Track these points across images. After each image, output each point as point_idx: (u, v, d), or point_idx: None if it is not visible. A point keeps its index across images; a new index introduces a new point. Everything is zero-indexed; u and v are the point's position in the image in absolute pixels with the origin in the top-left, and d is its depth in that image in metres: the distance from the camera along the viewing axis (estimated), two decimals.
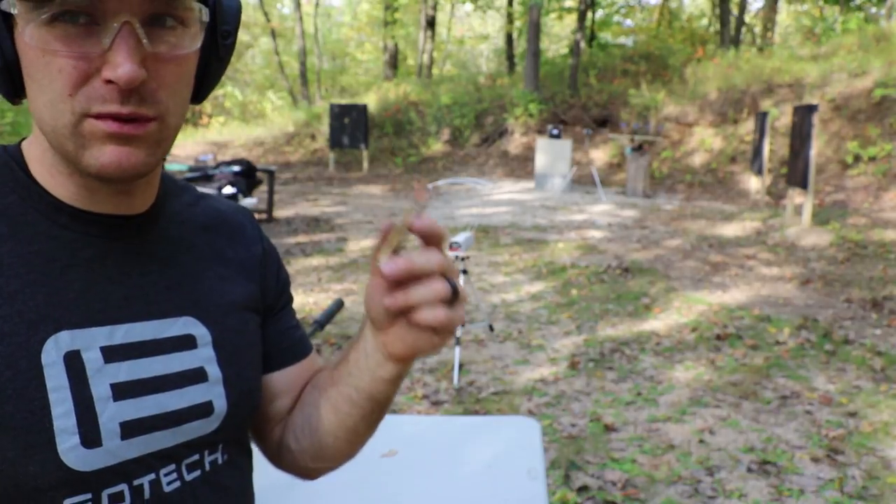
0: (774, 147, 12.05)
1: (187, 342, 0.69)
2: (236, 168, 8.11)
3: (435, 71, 25.67)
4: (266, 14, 27.21)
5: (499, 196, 11.97)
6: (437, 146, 16.84)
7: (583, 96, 16.54)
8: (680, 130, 14.27)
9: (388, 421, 1.95)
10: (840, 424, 3.37)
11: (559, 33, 30.52)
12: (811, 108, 8.19)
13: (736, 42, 18.60)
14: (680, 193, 12.39)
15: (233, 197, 6.36)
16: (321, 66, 27.73)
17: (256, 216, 9.02)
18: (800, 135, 8.57)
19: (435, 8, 23.15)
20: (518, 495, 1.48)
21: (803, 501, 2.70)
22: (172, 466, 0.67)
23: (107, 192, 0.66)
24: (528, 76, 16.68)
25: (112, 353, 0.63)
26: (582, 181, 13.61)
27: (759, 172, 10.60)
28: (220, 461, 0.73)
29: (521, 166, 15.25)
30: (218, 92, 30.56)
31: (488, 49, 33.14)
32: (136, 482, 0.64)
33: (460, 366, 3.96)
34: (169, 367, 0.67)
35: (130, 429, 0.63)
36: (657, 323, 4.99)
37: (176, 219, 0.74)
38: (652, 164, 13.35)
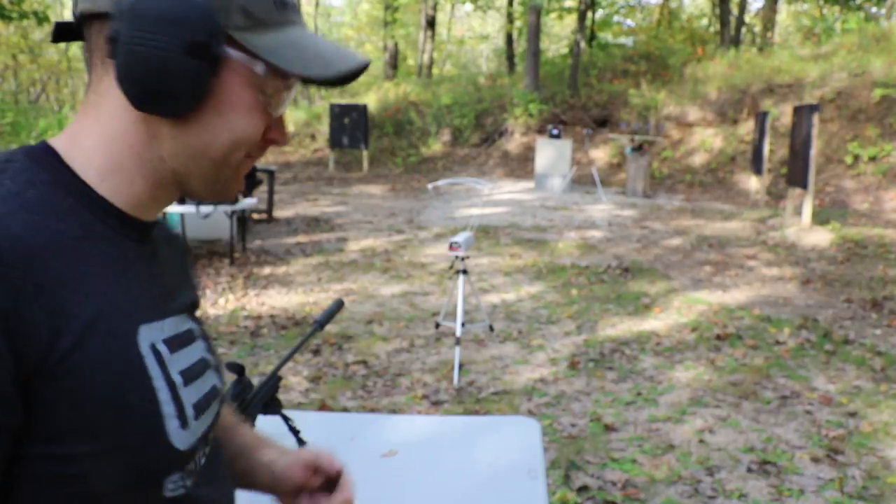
0: (774, 147, 12.05)
1: (193, 335, 0.76)
2: None
3: (435, 71, 25.68)
4: None
5: (499, 196, 11.97)
6: (437, 146, 16.84)
7: (583, 96, 16.54)
8: (680, 130, 14.27)
9: (388, 421, 1.96)
10: (840, 424, 3.37)
11: (559, 33, 30.52)
12: (811, 108, 8.19)
13: (736, 42, 18.60)
14: (680, 193, 12.39)
15: None
16: None
17: (256, 216, 8.97)
18: (800, 135, 8.57)
19: (435, 8, 23.15)
20: (518, 495, 1.48)
21: (803, 501, 2.70)
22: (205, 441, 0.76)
23: (163, 203, 0.74)
24: (528, 76, 16.68)
25: (171, 344, 0.70)
26: (582, 181, 13.61)
27: (759, 172, 10.60)
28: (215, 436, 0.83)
29: (521, 166, 15.25)
30: None
31: (488, 49, 33.14)
32: (198, 456, 0.73)
33: (460, 366, 3.96)
34: (196, 355, 0.75)
35: (199, 409, 0.71)
36: (657, 323, 4.99)
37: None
38: (652, 164, 13.35)
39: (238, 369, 1.54)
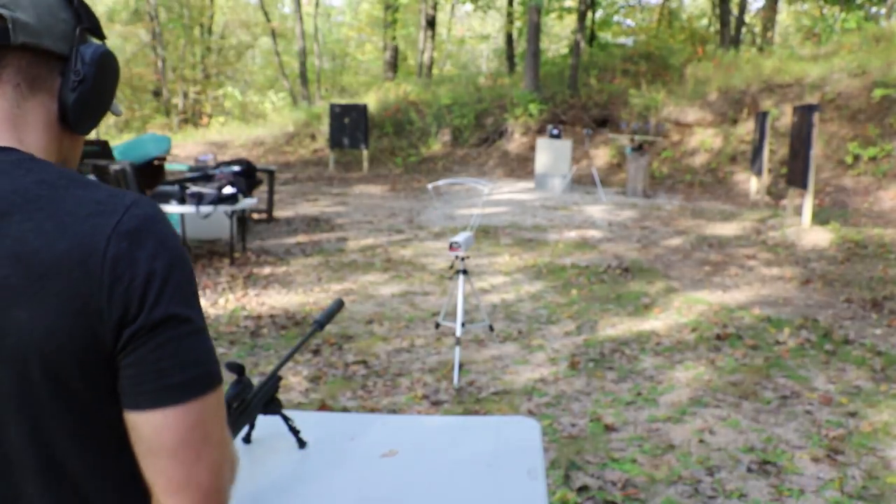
0: (774, 147, 12.05)
1: None
2: (236, 168, 8.10)
3: (435, 71, 25.67)
4: (266, 14, 27.22)
5: (499, 196, 11.97)
6: (437, 146, 16.84)
7: (583, 96, 16.53)
8: (680, 130, 14.27)
9: (388, 421, 1.96)
10: (840, 424, 3.37)
11: (559, 33, 30.52)
12: (811, 108, 8.19)
13: (736, 42, 18.59)
14: (680, 193, 12.40)
15: (233, 197, 6.35)
16: (321, 66, 27.73)
17: (256, 216, 8.99)
18: (800, 135, 8.57)
19: (435, 8, 23.15)
20: (518, 495, 1.48)
21: (803, 501, 2.70)
22: None
23: None
24: (528, 76, 16.67)
25: None
26: (582, 181, 13.61)
27: (759, 172, 10.60)
28: None
29: (521, 166, 15.25)
30: (218, 92, 30.59)
31: (488, 49, 33.14)
32: None
33: (460, 366, 3.96)
34: None
35: None
36: (657, 323, 4.99)
37: None
38: (652, 164, 13.35)
39: (238, 369, 1.54)
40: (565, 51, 23.61)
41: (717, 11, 21.52)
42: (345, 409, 3.51)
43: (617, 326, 4.90)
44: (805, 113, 8.42)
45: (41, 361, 0.72)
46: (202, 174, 7.61)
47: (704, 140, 13.67)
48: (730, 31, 18.94)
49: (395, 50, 23.74)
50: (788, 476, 2.88)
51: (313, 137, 18.00)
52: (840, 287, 6.04)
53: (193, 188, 6.38)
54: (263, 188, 9.16)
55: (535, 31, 16.57)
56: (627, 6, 25.44)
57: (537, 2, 15.74)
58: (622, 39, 24.16)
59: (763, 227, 8.83)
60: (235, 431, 1.49)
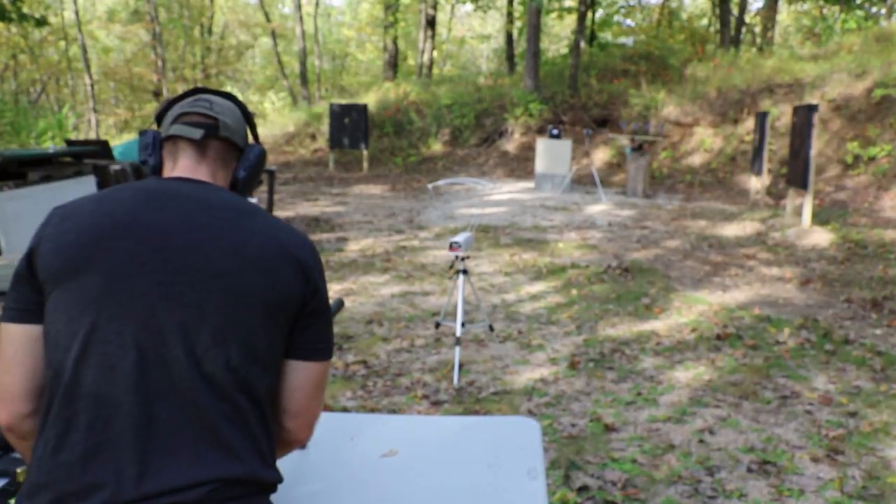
0: (774, 147, 12.05)
1: None
2: None
3: (435, 71, 25.66)
4: (266, 14, 27.21)
5: (499, 196, 11.97)
6: (437, 146, 16.83)
7: (583, 96, 16.53)
8: (680, 130, 14.27)
9: (388, 421, 1.95)
10: (840, 424, 3.37)
11: (559, 33, 30.52)
12: (811, 108, 8.19)
13: (736, 42, 18.59)
14: (680, 193, 12.39)
15: None
16: (321, 66, 27.73)
17: None
18: (800, 135, 8.57)
19: (435, 8, 23.14)
20: (518, 495, 1.48)
21: (803, 501, 2.71)
22: None
23: None
24: (528, 76, 16.67)
25: None
26: (582, 181, 13.61)
27: (759, 172, 10.60)
28: None
29: (520, 166, 15.25)
30: None
31: (488, 49, 33.13)
32: None
33: (460, 366, 3.96)
34: None
35: None
36: (657, 323, 4.99)
37: None
38: (652, 164, 13.35)
39: None
40: (565, 51, 23.60)
41: (717, 11, 21.51)
42: (345, 409, 3.51)
43: (617, 326, 4.90)
44: (805, 113, 8.42)
45: (264, 307, 1.17)
46: None
47: (704, 140, 13.67)
48: (730, 31, 18.94)
49: (395, 50, 23.73)
50: (788, 476, 2.88)
51: (313, 137, 18.00)
52: (840, 287, 6.04)
53: None
54: (263, 188, 9.15)
55: (535, 31, 16.57)
56: (627, 6, 25.43)
57: (537, 2, 15.73)
58: (622, 39, 24.15)
59: (763, 227, 8.83)
60: None
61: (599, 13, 23.45)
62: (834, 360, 4.27)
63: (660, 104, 14.73)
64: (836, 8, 19.90)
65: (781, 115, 12.61)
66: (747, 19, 21.94)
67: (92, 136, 22.47)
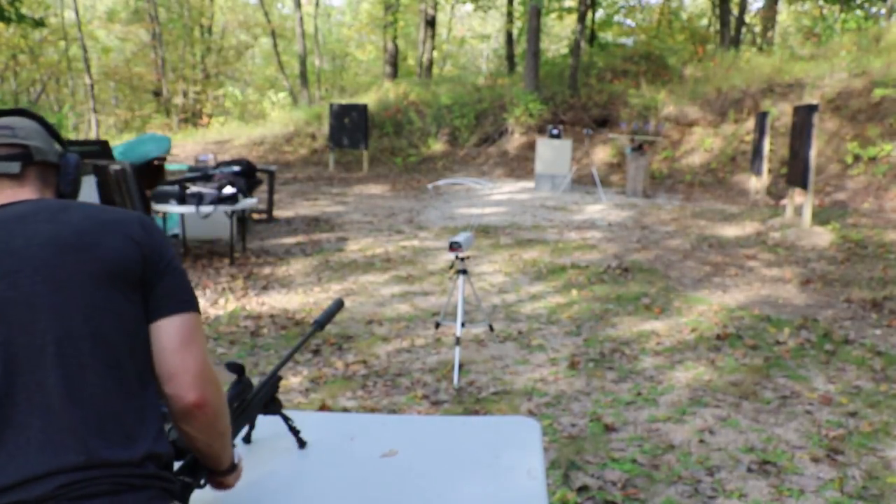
0: (774, 147, 12.05)
1: None
2: (236, 168, 8.10)
3: (435, 71, 25.66)
4: (266, 14, 27.21)
5: (499, 196, 11.97)
6: (436, 146, 16.83)
7: (583, 96, 16.53)
8: (680, 130, 14.27)
9: (388, 421, 1.95)
10: (840, 424, 3.37)
11: (559, 33, 30.51)
12: (811, 108, 8.19)
13: (736, 42, 18.59)
14: (680, 193, 12.39)
15: (233, 197, 6.35)
16: (321, 66, 27.73)
17: (256, 216, 8.97)
18: (800, 135, 8.57)
19: (435, 8, 23.14)
20: (518, 495, 1.48)
21: (803, 501, 2.70)
22: None
23: None
24: (528, 76, 16.67)
25: None
26: (582, 181, 13.61)
27: (759, 172, 10.59)
28: None
29: (520, 166, 15.25)
30: (218, 92, 30.59)
31: (488, 49, 33.13)
32: None
33: (460, 366, 3.96)
34: None
35: None
36: (657, 323, 4.99)
37: None
38: (652, 164, 13.35)
39: (238, 369, 1.54)
40: (565, 51, 23.59)
41: (717, 11, 21.51)
42: (345, 409, 3.51)
43: (617, 326, 4.90)
44: (805, 113, 8.41)
45: (91, 279, 1.21)
46: (202, 174, 7.60)
47: (704, 140, 13.67)
48: (730, 31, 18.94)
49: (395, 50, 23.73)
50: (788, 476, 2.88)
51: (313, 137, 18.00)
52: (840, 287, 6.04)
53: (193, 188, 6.38)
54: (263, 188, 9.15)
55: (535, 31, 16.57)
56: (628, 6, 25.42)
57: (537, 2, 15.73)
58: (622, 39, 24.14)
59: (763, 227, 8.83)
60: (235, 431, 1.49)
61: (599, 13, 23.44)
62: (834, 360, 4.27)
63: (660, 104, 14.73)
64: (836, 8, 19.90)
65: (781, 115, 12.61)
66: (747, 19, 21.94)
67: (92, 136, 22.46)
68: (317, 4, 26.60)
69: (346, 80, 31.31)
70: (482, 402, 3.62)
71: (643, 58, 18.89)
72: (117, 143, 12.69)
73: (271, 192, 9.22)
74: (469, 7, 26.50)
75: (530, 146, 15.18)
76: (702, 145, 13.63)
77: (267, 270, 6.44)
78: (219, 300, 5.41)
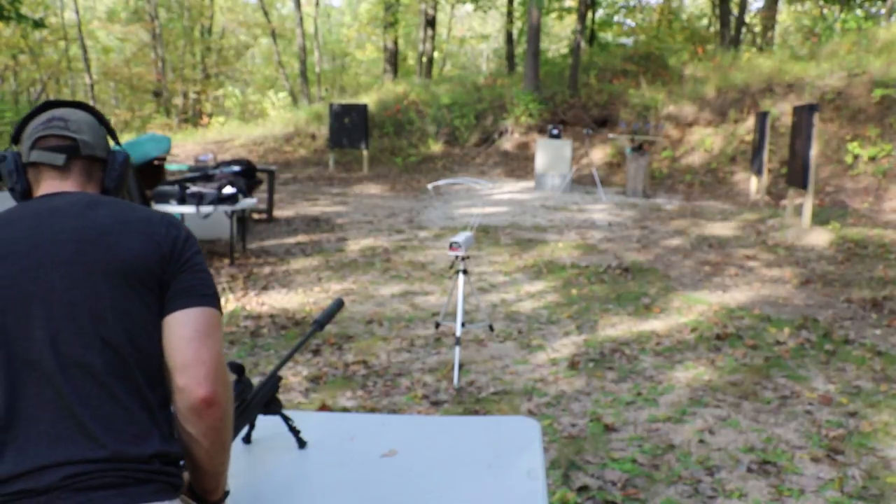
0: (774, 147, 12.05)
1: None
2: (236, 168, 8.10)
3: (435, 71, 25.66)
4: (266, 14, 27.20)
5: (499, 196, 11.97)
6: (436, 146, 16.83)
7: (583, 96, 16.53)
8: (679, 130, 14.27)
9: (388, 421, 1.95)
10: (840, 424, 3.37)
11: (559, 33, 30.50)
12: (811, 108, 8.19)
13: (736, 42, 18.58)
14: (680, 193, 12.39)
15: (233, 197, 6.35)
16: (321, 66, 27.72)
17: (256, 216, 8.97)
18: (800, 135, 8.57)
19: (435, 8, 23.14)
20: (518, 495, 1.48)
21: (803, 501, 2.70)
22: None
23: None
24: (528, 76, 16.67)
25: None
26: (582, 181, 13.61)
27: (759, 172, 10.59)
28: None
29: (520, 166, 15.25)
30: (218, 92, 30.59)
31: (488, 49, 33.13)
32: None
33: (460, 366, 3.96)
34: None
35: None
36: (657, 323, 4.99)
37: None
38: (652, 164, 13.35)
39: (238, 369, 1.54)
40: (565, 51, 23.60)
41: (717, 11, 21.51)
42: (345, 409, 3.51)
43: (617, 326, 4.90)
44: (805, 113, 8.41)
45: (108, 277, 1.23)
46: (202, 174, 7.61)
47: (704, 140, 13.67)
48: (730, 31, 18.94)
49: (395, 50, 23.73)
50: (788, 476, 2.88)
51: (313, 137, 17.99)
52: (840, 287, 6.04)
53: (193, 188, 6.38)
54: (263, 188, 9.15)
55: (535, 31, 16.57)
56: (628, 6, 25.42)
57: (537, 2, 15.73)
58: (622, 39, 24.14)
59: (763, 227, 8.83)
60: (236, 432, 1.49)
61: (599, 13, 23.44)
62: (834, 360, 4.27)
63: (659, 104, 14.73)
64: (836, 8, 19.90)
65: (781, 115, 12.61)
66: (747, 19, 21.93)
67: None
68: (317, 4, 26.59)
69: (346, 80, 31.32)
70: (482, 402, 3.62)
71: (643, 58, 18.89)
72: None
73: (271, 192, 9.22)
74: (469, 7, 26.49)
75: (530, 146, 15.18)
76: (702, 145, 13.63)
77: (267, 270, 6.44)
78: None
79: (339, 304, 1.81)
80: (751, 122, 12.84)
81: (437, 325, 4.51)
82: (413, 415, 3.40)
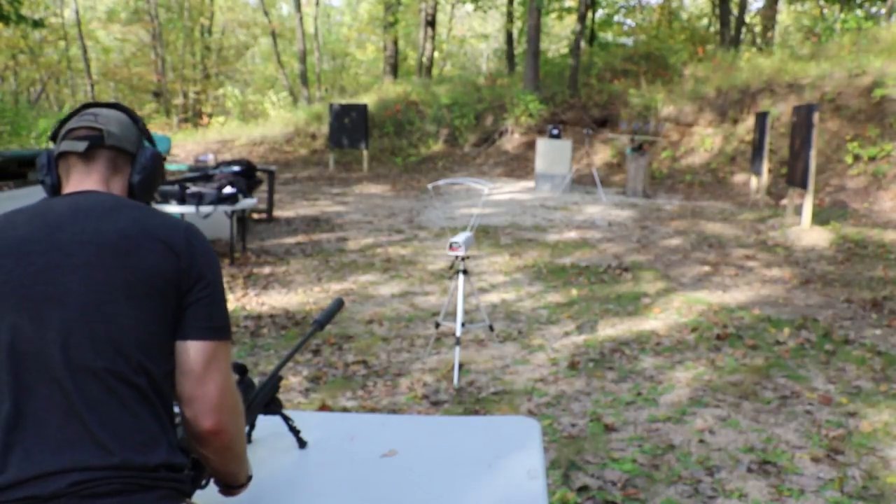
0: (774, 147, 12.05)
1: None
2: (236, 168, 8.10)
3: (435, 71, 25.66)
4: (266, 14, 27.20)
5: (499, 196, 11.97)
6: (436, 146, 16.84)
7: (583, 96, 16.53)
8: (680, 130, 14.27)
9: (388, 421, 1.95)
10: (840, 424, 3.37)
11: (559, 33, 30.50)
12: (811, 108, 8.19)
13: (736, 42, 18.58)
14: (680, 193, 12.39)
15: (233, 197, 6.35)
16: (321, 66, 27.72)
17: (256, 216, 8.98)
18: (800, 135, 8.57)
19: (435, 8, 23.13)
20: (518, 495, 1.48)
21: (803, 501, 2.70)
22: None
23: None
24: (528, 76, 16.67)
25: None
26: (582, 181, 13.61)
27: (759, 172, 10.59)
28: None
29: (520, 166, 15.25)
30: (218, 92, 30.58)
31: (488, 49, 33.13)
32: None
33: (460, 366, 3.96)
34: None
35: None
36: (657, 323, 4.99)
37: None
38: (652, 164, 13.35)
39: (240, 370, 1.54)
40: (565, 51, 23.59)
41: (717, 11, 21.50)
42: (345, 409, 3.51)
43: (617, 326, 4.90)
44: (805, 113, 8.42)
45: (127, 287, 1.22)
46: (202, 174, 7.61)
47: (704, 140, 13.67)
48: (730, 31, 18.93)
49: (395, 50, 23.72)
50: (788, 476, 2.88)
51: (313, 137, 18.00)
52: (840, 287, 6.04)
53: (193, 188, 6.38)
54: (263, 188, 9.16)
55: (535, 31, 16.57)
56: (628, 6, 25.42)
57: (537, 2, 15.73)
58: (622, 39, 24.14)
59: (763, 227, 8.83)
60: None
61: (600, 13, 23.44)
62: (834, 360, 4.27)
63: (660, 104, 14.73)
64: (836, 8, 19.90)
65: (781, 115, 12.61)
66: (747, 19, 21.93)
67: None
68: (317, 4, 26.59)
69: (346, 80, 31.30)
70: (482, 402, 3.62)
71: (643, 58, 18.88)
72: None
73: (271, 191, 9.22)
74: (469, 7, 26.49)
75: (530, 146, 15.18)
76: (702, 145, 13.63)
77: (267, 270, 6.44)
78: None
79: (339, 304, 1.81)
80: (751, 122, 12.84)
81: (437, 325, 4.51)
82: (413, 415, 3.40)
